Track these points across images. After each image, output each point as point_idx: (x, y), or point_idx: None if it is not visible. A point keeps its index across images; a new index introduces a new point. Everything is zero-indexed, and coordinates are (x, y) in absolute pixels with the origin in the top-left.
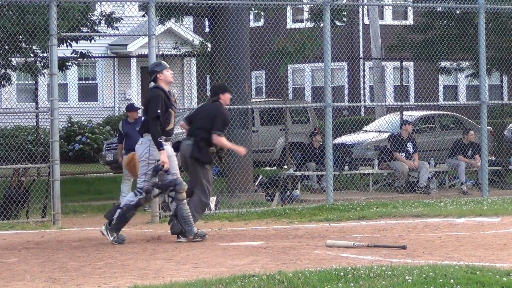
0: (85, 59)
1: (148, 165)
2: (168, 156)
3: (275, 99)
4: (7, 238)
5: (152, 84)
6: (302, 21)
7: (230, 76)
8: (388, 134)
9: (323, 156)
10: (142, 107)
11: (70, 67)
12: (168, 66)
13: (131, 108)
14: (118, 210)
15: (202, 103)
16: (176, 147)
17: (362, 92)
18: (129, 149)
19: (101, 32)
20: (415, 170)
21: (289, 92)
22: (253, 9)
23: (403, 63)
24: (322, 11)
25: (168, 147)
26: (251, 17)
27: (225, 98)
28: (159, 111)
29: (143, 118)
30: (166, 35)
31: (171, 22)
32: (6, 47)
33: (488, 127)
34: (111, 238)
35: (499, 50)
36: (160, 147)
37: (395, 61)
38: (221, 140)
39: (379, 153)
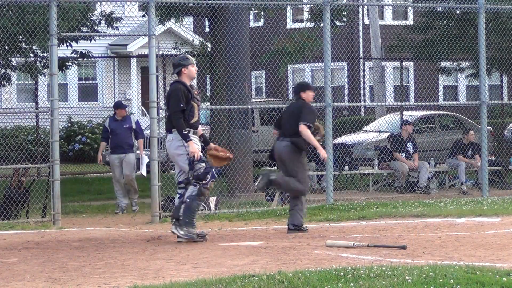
0: (85, 59)
1: (188, 156)
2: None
3: (275, 99)
4: (7, 238)
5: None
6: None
7: (230, 76)
8: (388, 134)
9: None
10: (165, 103)
11: (70, 67)
12: (194, 62)
13: (119, 105)
14: (183, 205)
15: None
16: (271, 152)
17: (362, 92)
18: (115, 147)
19: (101, 32)
20: (415, 170)
21: (289, 92)
22: (253, 9)
23: (403, 63)
24: (322, 11)
25: (195, 139)
26: (251, 17)
27: (307, 95)
28: (182, 104)
29: (166, 114)
30: (166, 35)
31: (171, 22)
32: (6, 47)
33: (488, 127)
34: (181, 232)
35: (499, 50)
36: (186, 138)
37: (395, 61)
38: (307, 131)
39: (379, 153)
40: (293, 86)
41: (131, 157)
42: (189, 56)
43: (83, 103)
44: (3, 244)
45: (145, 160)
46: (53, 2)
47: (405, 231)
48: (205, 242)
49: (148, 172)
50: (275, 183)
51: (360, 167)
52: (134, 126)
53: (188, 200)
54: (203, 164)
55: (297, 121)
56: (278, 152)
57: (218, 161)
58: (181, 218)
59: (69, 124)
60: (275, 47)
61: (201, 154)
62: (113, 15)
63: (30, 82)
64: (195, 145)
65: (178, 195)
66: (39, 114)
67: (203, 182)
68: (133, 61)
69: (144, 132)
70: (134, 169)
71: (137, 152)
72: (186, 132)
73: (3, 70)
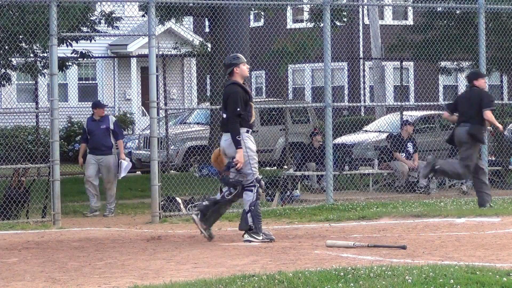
0: (85, 59)
1: (249, 158)
2: (251, 151)
3: (275, 99)
4: (7, 238)
5: (228, 77)
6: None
7: None
8: (388, 134)
9: (323, 156)
10: (222, 104)
11: (70, 67)
12: (245, 60)
13: (97, 105)
14: (248, 214)
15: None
16: (451, 137)
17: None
18: (94, 148)
19: (101, 32)
20: (415, 170)
21: (289, 92)
22: (253, 9)
23: (403, 63)
24: (322, 11)
25: (250, 142)
26: (251, 17)
27: (479, 83)
28: (238, 108)
29: (223, 115)
30: (166, 35)
31: (171, 22)
32: (6, 47)
33: (488, 127)
34: (260, 238)
35: (499, 50)
36: (238, 145)
37: (395, 61)
38: (491, 115)
39: (379, 153)
40: (467, 75)
41: (109, 160)
42: (240, 55)
43: (83, 103)
44: (3, 244)
45: (124, 164)
46: (53, 2)
47: (405, 231)
48: (205, 242)
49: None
50: (439, 172)
51: (360, 167)
52: (111, 126)
53: (252, 207)
54: (239, 176)
55: (479, 108)
56: (459, 137)
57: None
58: (253, 227)
59: (69, 124)
60: (276, 47)
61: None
62: (113, 15)
63: (30, 82)
64: (242, 155)
65: (222, 193)
66: (39, 114)
67: (231, 189)
68: (133, 61)
69: (144, 132)
70: (114, 172)
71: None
72: (239, 139)
73: (3, 70)
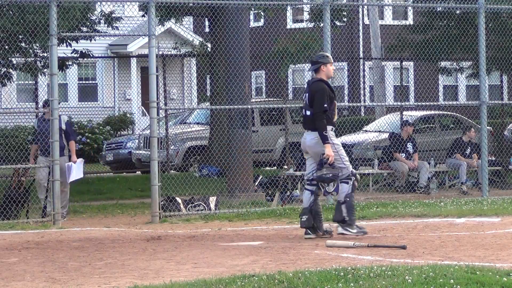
0: (85, 59)
1: (339, 152)
2: (337, 146)
3: (275, 99)
4: (7, 238)
5: (313, 74)
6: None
7: (230, 76)
8: (389, 133)
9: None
10: (307, 102)
11: (70, 66)
12: (332, 61)
13: (48, 103)
14: (343, 205)
15: None
16: None
17: (362, 92)
18: (46, 149)
19: (101, 32)
20: (415, 170)
21: (289, 92)
22: (253, 9)
23: (403, 63)
24: (322, 11)
25: (335, 138)
26: (251, 17)
27: None
28: (325, 105)
29: (306, 112)
30: (166, 35)
31: (171, 22)
32: (6, 47)
33: (488, 127)
34: (354, 231)
35: (499, 50)
36: (325, 140)
37: (395, 61)
38: None
39: (381, 152)
40: None
41: (60, 162)
42: (329, 55)
43: (83, 103)
44: (3, 244)
45: (74, 168)
46: (53, 2)
47: (405, 231)
48: (204, 242)
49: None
50: None
51: (360, 167)
52: (63, 126)
53: (347, 199)
54: (333, 170)
55: None
56: None
57: None
58: (346, 219)
59: None
60: (276, 47)
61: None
62: (113, 15)
63: (30, 82)
64: (331, 149)
65: (308, 192)
66: (39, 114)
67: (326, 185)
68: (133, 61)
69: (144, 132)
70: (66, 175)
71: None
72: (327, 134)
73: (4, 69)
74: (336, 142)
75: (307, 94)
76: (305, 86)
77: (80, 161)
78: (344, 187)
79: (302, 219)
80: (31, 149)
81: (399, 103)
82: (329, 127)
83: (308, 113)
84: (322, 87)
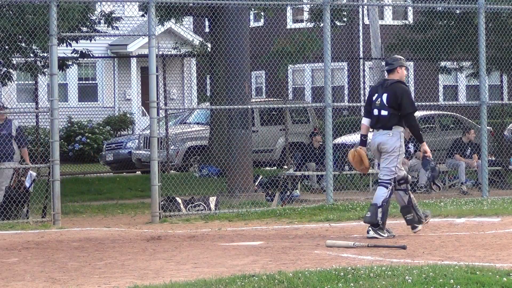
0: (85, 59)
1: (398, 157)
2: (401, 149)
3: (275, 99)
4: (7, 238)
5: (387, 75)
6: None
7: (230, 76)
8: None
9: (323, 156)
10: (385, 102)
11: (70, 66)
12: (407, 65)
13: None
14: (379, 209)
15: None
16: None
17: (362, 92)
18: (4, 153)
19: (101, 32)
20: (415, 170)
21: (289, 92)
22: (253, 9)
23: None
24: (322, 11)
25: (403, 139)
26: (251, 17)
27: None
28: (415, 104)
29: (381, 112)
30: (166, 35)
31: (171, 22)
32: (6, 47)
33: (488, 127)
34: (386, 236)
35: (499, 49)
36: (422, 139)
37: None
38: None
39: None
40: None
41: (5, 166)
42: (403, 58)
43: (83, 103)
44: (3, 244)
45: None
46: (53, 2)
47: (405, 231)
48: (204, 242)
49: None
50: None
51: None
52: (13, 132)
53: (384, 203)
54: (434, 164)
55: None
56: None
57: (359, 164)
58: (380, 222)
59: (69, 124)
60: (276, 47)
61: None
62: (113, 15)
63: (30, 82)
64: (396, 150)
65: (402, 191)
66: (39, 114)
67: (434, 183)
68: (133, 61)
69: (144, 132)
70: (7, 182)
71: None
72: (421, 133)
73: (4, 69)
74: (403, 145)
75: (386, 95)
76: (375, 86)
77: (30, 174)
78: (383, 191)
79: (407, 218)
80: None
81: None
82: (400, 128)
83: (385, 113)
84: (406, 88)
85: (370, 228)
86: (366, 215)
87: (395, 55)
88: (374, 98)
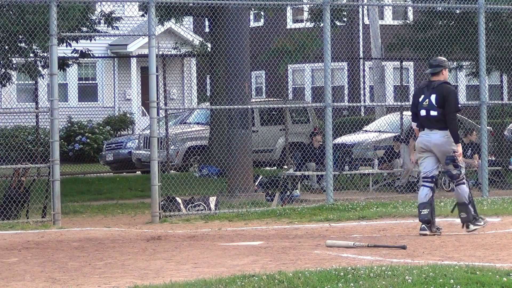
0: (85, 59)
1: (455, 155)
2: (460, 148)
3: (275, 99)
4: (7, 238)
5: (431, 77)
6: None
7: (230, 76)
8: (396, 135)
9: (323, 156)
10: (434, 102)
11: (70, 65)
12: (449, 66)
13: None
14: (469, 205)
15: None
16: None
17: (362, 92)
18: None
19: (101, 32)
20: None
21: (289, 92)
22: (253, 9)
23: (403, 63)
24: (322, 11)
25: None
26: (251, 17)
27: None
28: (459, 105)
29: (430, 112)
30: (166, 35)
31: (171, 22)
32: (6, 47)
33: (488, 127)
34: (482, 223)
35: (499, 49)
36: (458, 139)
37: (395, 61)
38: None
39: (384, 151)
40: None
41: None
42: (446, 60)
43: (83, 103)
44: (3, 244)
45: None
46: (53, 2)
47: (405, 231)
48: (205, 242)
49: None
50: None
51: (360, 167)
52: None
53: (471, 198)
54: (460, 169)
55: None
56: None
57: None
58: (475, 217)
59: (69, 124)
60: (275, 46)
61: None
62: (113, 15)
63: (30, 82)
64: (461, 148)
65: (427, 188)
66: (39, 114)
67: (457, 179)
68: (133, 61)
69: (144, 132)
70: None
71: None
72: (458, 134)
73: (3, 70)
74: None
75: (434, 95)
76: (420, 89)
77: None
78: (463, 188)
79: (422, 213)
80: None
81: (399, 103)
82: None
83: (435, 113)
84: (453, 89)
85: (469, 224)
86: (461, 216)
87: (438, 57)
88: (420, 99)
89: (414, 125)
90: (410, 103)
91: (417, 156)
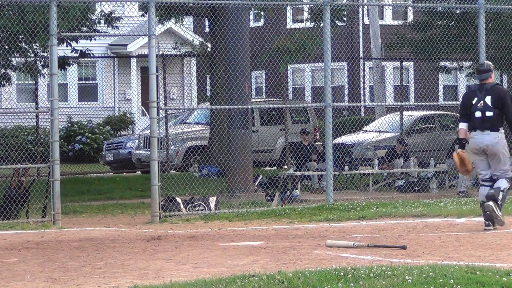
0: (85, 59)
1: (510, 157)
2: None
3: (275, 99)
4: (7, 238)
5: (481, 81)
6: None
7: (230, 76)
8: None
9: (311, 154)
10: (489, 103)
11: (71, 65)
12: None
13: None
14: (501, 192)
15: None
16: None
17: (362, 92)
18: None
19: (101, 32)
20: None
21: (289, 92)
22: (253, 9)
23: (403, 63)
24: (322, 11)
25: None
26: (251, 17)
27: None
28: None
29: (486, 113)
30: (166, 35)
31: (171, 22)
32: (6, 47)
33: None
34: (500, 213)
35: (499, 49)
36: None
37: (395, 61)
38: None
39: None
40: None
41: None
42: (492, 64)
43: (83, 103)
44: (3, 244)
45: None
46: (53, 2)
47: (405, 231)
48: (205, 242)
49: None
50: None
51: (360, 167)
52: None
53: (505, 190)
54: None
55: None
56: None
57: (463, 165)
58: (500, 202)
59: (69, 124)
60: (275, 46)
61: None
62: (113, 15)
63: (30, 82)
64: (507, 148)
65: (488, 187)
66: (39, 114)
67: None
68: (133, 61)
69: (144, 132)
70: None
71: None
72: None
73: (3, 70)
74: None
75: (489, 97)
76: (472, 91)
77: None
78: (505, 183)
79: (487, 212)
80: None
81: (399, 103)
82: (502, 129)
83: (491, 113)
84: (507, 90)
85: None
86: (489, 192)
87: (485, 62)
88: (474, 101)
89: (462, 125)
90: (410, 103)
91: (471, 158)
